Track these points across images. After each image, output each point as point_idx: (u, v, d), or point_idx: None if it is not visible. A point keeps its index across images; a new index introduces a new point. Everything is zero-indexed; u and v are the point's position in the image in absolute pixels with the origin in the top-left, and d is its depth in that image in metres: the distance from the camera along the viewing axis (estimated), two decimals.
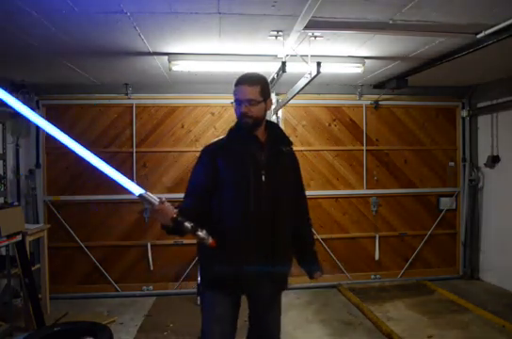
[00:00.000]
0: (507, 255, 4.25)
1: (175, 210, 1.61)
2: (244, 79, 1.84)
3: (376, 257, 4.65)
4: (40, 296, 3.48)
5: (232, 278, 1.79)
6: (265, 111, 1.88)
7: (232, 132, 1.91)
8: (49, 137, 4.28)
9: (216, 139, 1.94)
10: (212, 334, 1.86)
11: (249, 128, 1.84)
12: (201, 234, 1.61)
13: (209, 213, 1.83)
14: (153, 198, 1.58)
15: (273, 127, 1.98)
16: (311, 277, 2.06)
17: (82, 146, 1.50)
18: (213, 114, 4.48)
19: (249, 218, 1.80)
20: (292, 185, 1.97)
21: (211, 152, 1.88)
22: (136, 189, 1.56)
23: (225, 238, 1.76)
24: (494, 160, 4.46)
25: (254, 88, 1.80)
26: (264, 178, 1.81)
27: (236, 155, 1.83)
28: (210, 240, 1.62)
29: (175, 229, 1.61)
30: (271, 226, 1.83)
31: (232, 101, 1.86)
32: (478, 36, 2.69)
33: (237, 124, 1.91)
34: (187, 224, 1.59)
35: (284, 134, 2.02)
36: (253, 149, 1.85)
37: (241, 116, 1.82)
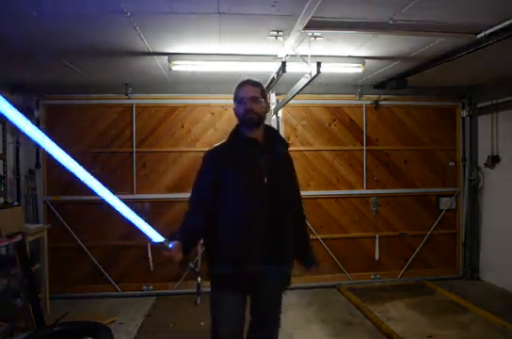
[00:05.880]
0: (507, 255, 4.25)
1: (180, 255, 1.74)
2: (246, 81, 2.02)
3: (376, 257, 4.65)
4: (40, 296, 3.48)
5: (241, 276, 1.85)
6: (265, 112, 2.01)
7: (232, 135, 2.02)
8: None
9: (218, 144, 2.03)
10: (223, 335, 1.90)
11: (254, 124, 1.95)
12: (198, 269, 1.85)
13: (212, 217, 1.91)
14: (168, 244, 1.71)
15: (270, 130, 2.10)
16: (307, 271, 2.17)
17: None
18: (213, 114, 4.48)
19: (255, 220, 1.87)
20: (293, 186, 2.10)
21: (213, 157, 1.98)
22: (156, 236, 1.67)
23: (232, 239, 1.86)
24: (494, 160, 4.46)
25: (256, 89, 1.98)
26: (266, 180, 1.90)
27: (238, 160, 1.91)
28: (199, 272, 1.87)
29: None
30: (276, 227, 1.90)
31: (232, 102, 2.01)
32: (478, 36, 2.69)
33: (237, 128, 2.02)
34: (191, 264, 1.81)
35: (281, 136, 2.20)
36: (254, 152, 1.95)
37: (245, 112, 1.93)
